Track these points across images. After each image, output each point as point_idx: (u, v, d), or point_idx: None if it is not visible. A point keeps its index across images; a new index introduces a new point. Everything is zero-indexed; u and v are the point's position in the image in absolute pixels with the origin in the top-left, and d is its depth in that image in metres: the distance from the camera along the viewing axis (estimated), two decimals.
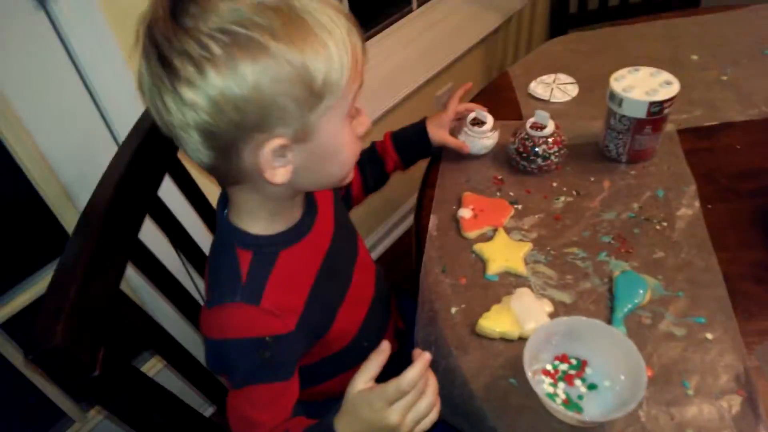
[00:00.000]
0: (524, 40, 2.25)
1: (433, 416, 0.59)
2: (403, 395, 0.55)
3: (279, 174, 0.58)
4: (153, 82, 0.53)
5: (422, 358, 0.56)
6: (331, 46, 0.55)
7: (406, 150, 0.98)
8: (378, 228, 1.91)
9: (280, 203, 0.66)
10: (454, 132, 1.01)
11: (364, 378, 0.58)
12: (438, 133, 0.97)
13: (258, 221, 0.65)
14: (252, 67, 0.51)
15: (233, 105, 0.52)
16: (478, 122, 0.99)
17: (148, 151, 0.76)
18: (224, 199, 0.68)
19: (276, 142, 0.56)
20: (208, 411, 1.42)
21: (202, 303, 0.69)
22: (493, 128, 0.98)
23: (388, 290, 0.92)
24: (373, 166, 0.97)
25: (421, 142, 0.98)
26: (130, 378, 0.62)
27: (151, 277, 0.77)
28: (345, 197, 0.94)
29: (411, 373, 0.55)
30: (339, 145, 0.62)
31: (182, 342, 0.76)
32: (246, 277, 0.64)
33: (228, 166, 0.58)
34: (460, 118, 1.01)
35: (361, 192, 0.97)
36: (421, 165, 1.04)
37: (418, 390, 0.57)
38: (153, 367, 1.29)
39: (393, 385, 0.55)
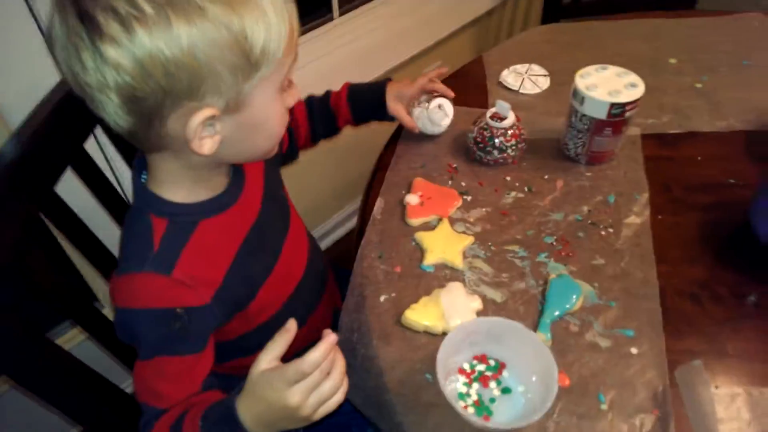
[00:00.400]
0: (518, 26, 2.20)
1: (339, 398, 0.57)
2: (304, 376, 0.53)
3: (206, 145, 0.56)
4: (69, 38, 0.49)
5: (327, 339, 0.54)
6: (271, 14, 0.52)
7: (360, 110, 0.95)
8: (345, 208, 1.87)
9: (203, 172, 0.63)
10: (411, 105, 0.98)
11: (267, 357, 0.56)
12: (395, 106, 0.94)
13: (178, 189, 0.62)
14: (187, 29, 0.48)
15: (163, 69, 0.49)
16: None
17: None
18: (141, 163, 0.65)
19: (206, 112, 0.53)
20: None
21: None
22: (444, 112, 0.96)
23: (325, 268, 0.90)
24: (324, 118, 0.94)
25: (377, 106, 0.94)
26: (41, 348, 0.60)
27: (68, 232, 0.74)
28: (289, 151, 0.90)
29: (313, 355, 0.53)
30: (269, 117, 0.60)
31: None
32: (158, 246, 0.61)
33: (149, 133, 0.55)
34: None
35: (308, 141, 0.95)
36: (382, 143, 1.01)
37: (323, 371, 0.55)
38: (74, 338, 1.25)
39: (294, 365, 0.53)
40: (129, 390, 0.73)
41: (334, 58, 1.50)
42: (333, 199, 1.78)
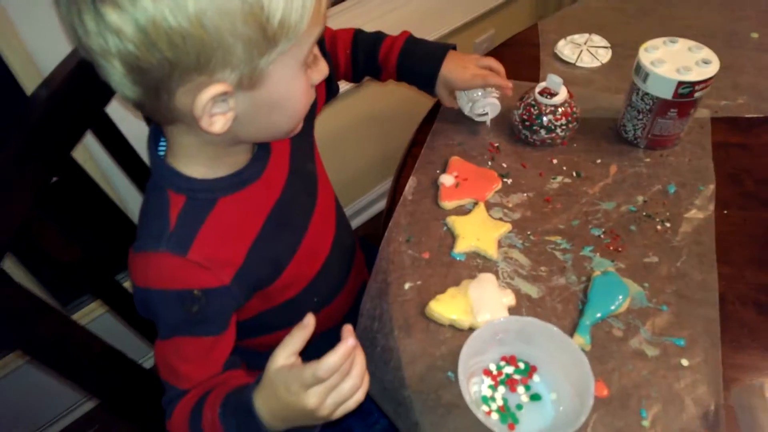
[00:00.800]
0: None
1: (359, 397, 0.54)
2: (321, 381, 0.50)
3: (217, 123, 0.51)
4: None
5: (345, 344, 0.50)
6: None
7: (407, 77, 0.87)
8: (382, 183, 1.80)
9: (221, 148, 0.58)
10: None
11: (285, 353, 0.53)
12: (441, 92, 0.87)
13: (196, 164, 0.58)
14: None
15: (167, 39, 0.44)
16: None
17: None
18: (156, 133, 0.61)
19: (216, 88, 0.48)
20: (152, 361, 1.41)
21: None
22: (489, 110, 0.87)
23: (353, 244, 0.85)
24: (368, 67, 0.87)
25: (425, 82, 0.87)
26: (56, 324, 0.58)
27: (86, 200, 0.71)
28: (327, 92, 0.82)
29: (331, 360, 0.49)
30: (290, 95, 0.54)
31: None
32: (175, 224, 0.57)
33: (157, 105, 0.51)
34: None
35: (349, 78, 0.89)
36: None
37: (342, 372, 0.51)
38: (94, 311, 1.25)
39: (310, 370, 0.49)
40: (148, 365, 0.72)
41: (373, 29, 1.43)
42: (369, 174, 1.71)
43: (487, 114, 0.87)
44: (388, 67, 0.85)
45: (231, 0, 0.44)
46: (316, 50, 0.55)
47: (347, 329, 0.52)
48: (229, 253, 0.61)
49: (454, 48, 0.86)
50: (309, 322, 0.53)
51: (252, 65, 0.48)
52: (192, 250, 0.57)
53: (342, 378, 0.51)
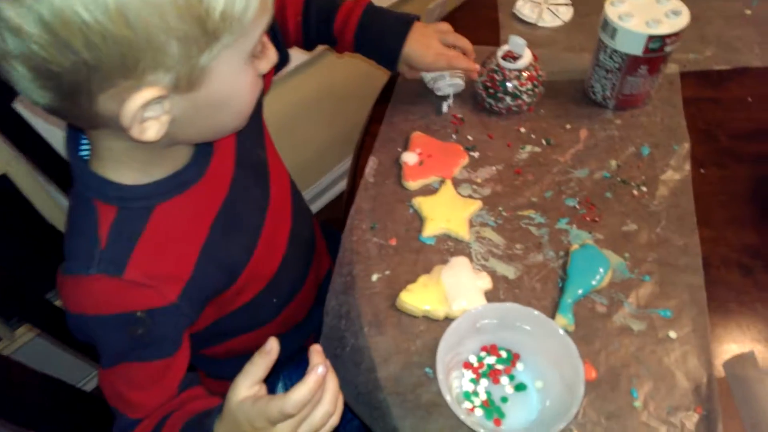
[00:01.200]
0: None
1: (333, 422, 0.49)
2: (289, 417, 0.45)
3: (150, 129, 0.44)
4: None
5: (315, 374, 0.45)
6: None
7: (366, 51, 0.79)
8: (340, 164, 1.72)
9: (156, 151, 0.51)
10: None
11: (247, 382, 0.47)
12: (403, 68, 0.79)
13: (126, 169, 0.50)
14: None
15: (83, 38, 0.37)
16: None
17: None
18: (76, 135, 0.53)
19: (148, 93, 0.41)
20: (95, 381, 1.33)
21: None
22: (454, 80, 0.80)
23: (312, 233, 0.78)
24: (321, 38, 0.78)
25: (385, 63, 0.79)
26: None
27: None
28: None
29: (299, 394, 0.44)
30: (235, 92, 0.47)
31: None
32: (106, 241, 0.50)
33: (76, 112, 0.43)
34: None
35: (300, 44, 0.80)
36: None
37: (312, 403, 0.46)
38: (22, 335, 1.11)
39: (277, 406, 0.44)
40: (90, 386, 0.65)
41: None
42: (327, 154, 1.62)
43: (449, 96, 0.81)
44: (344, 39, 0.77)
45: None
46: (265, 37, 0.48)
47: (315, 351, 0.47)
48: (174, 266, 0.54)
49: (417, 19, 0.78)
50: (272, 347, 0.47)
51: (190, 64, 0.41)
52: (129, 269, 0.50)
53: (313, 408, 0.46)
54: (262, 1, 0.42)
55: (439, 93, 0.81)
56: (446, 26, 0.79)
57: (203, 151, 0.55)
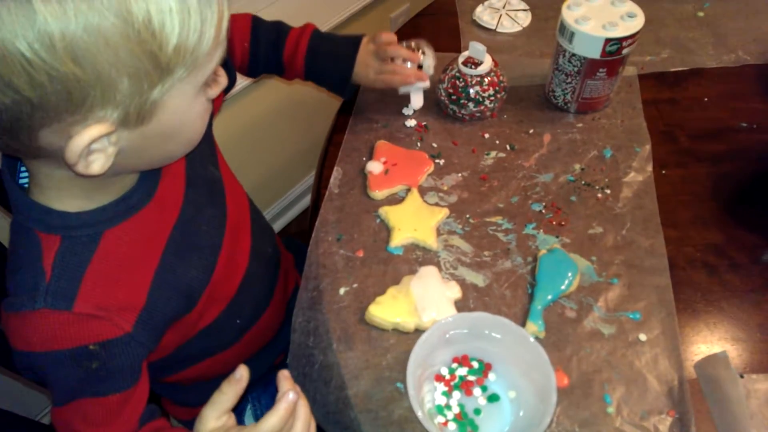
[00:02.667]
0: None
1: None
2: None
3: (95, 162, 0.41)
4: None
5: (285, 400, 0.44)
6: None
7: (317, 82, 0.78)
8: (302, 181, 1.68)
9: (100, 180, 0.47)
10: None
11: (215, 413, 0.45)
12: (359, 84, 0.77)
13: (69, 197, 0.48)
14: (58, 15, 0.33)
15: (26, 77, 0.34)
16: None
17: None
18: (12, 165, 0.50)
19: (95, 130, 0.39)
20: None
21: None
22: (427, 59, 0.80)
23: (275, 250, 0.76)
24: (270, 65, 0.77)
25: (338, 88, 0.77)
26: None
27: None
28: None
29: (269, 423, 0.43)
30: (186, 123, 0.46)
31: None
32: (51, 274, 0.47)
33: (15, 146, 0.41)
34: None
35: (245, 71, 0.78)
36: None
37: (286, 430, 0.45)
38: None
39: None
40: (48, 420, 0.61)
41: (287, 5, 1.32)
42: (290, 169, 1.58)
43: (414, 95, 0.80)
44: (294, 65, 0.76)
45: (110, 27, 0.35)
46: (218, 68, 0.46)
47: (284, 378, 0.45)
48: (127, 295, 0.51)
49: (362, 38, 0.76)
50: (242, 375, 0.45)
51: (141, 99, 0.39)
52: (78, 302, 0.47)
53: None
54: (216, 33, 0.40)
55: (401, 93, 0.80)
56: (387, 37, 0.76)
57: (150, 174, 0.53)
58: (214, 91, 0.48)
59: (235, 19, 0.74)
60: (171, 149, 0.48)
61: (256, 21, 0.76)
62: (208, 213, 0.61)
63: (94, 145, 0.40)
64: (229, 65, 0.71)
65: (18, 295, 0.47)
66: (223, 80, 0.49)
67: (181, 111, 0.44)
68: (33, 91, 0.35)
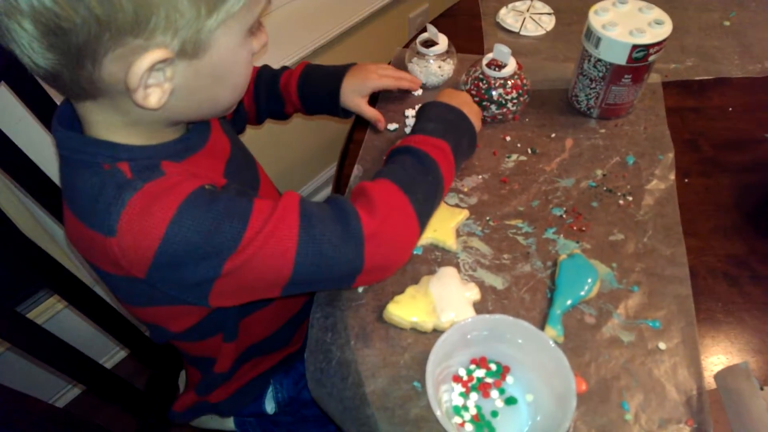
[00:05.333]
0: None
1: None
2: None
3: (153, 95, 0.44)
4: None
5: None
6: None
7: (310, 101, 0.79)
8: (320, 174, 1.69)
9: (153, 126, 0.50)
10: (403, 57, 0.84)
11: None
12: (354, 100, 0.77)
13: (128, 136, 0.49)
14: None
15: None
16: (430, 43, 0.82)
17: None
18: (65, 118, 0.51)
19: (156, 54, 0.41)
20: (118, 356, 1.30)
21: None
22: (449, 52, 0.82)
23: None
24: (270, 98, 0.79)
25: (328, 101, 0.78)
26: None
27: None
28: (236, 121, 0.78)
29: None
30: (234, 65, 0.49)
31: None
32: (131, 172, 0.47)
33: (78, 76, 0.42)
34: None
35: (252, 118, 0.81)
36: None
37: None
38: (51, 307, 1.14)
39: None
40: (62, 403, 0.62)
41: (303, 6, 1.33)
42: (310, 162, 1.61)
43: (442, 49, 0.83)
44: (290, 95, 0.78)
45: None
46: (261, 17, 0.49)
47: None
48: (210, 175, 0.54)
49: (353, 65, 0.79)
50: None
51: (197, 27, 0.42)
52: (168, 172, 0.48)
53: None
54: None
55: (433, 65, 0.83)
56: (384, 65, 0.80)
57: (200, 126, 0.56)
58: (257, 45, 0.50)
59: None
60: (219, 93, 0.50)
61: (261, 68, 0.80)
62: (246, 176, 0.65)
63: (151, 80, 0.43)
64: (241, 112, 0.77)
65: (114, 204, 0.45)
66: (264, 37, 0.51)
67: (231, 51, 0.46)
68: (102, 7, 0.38)
